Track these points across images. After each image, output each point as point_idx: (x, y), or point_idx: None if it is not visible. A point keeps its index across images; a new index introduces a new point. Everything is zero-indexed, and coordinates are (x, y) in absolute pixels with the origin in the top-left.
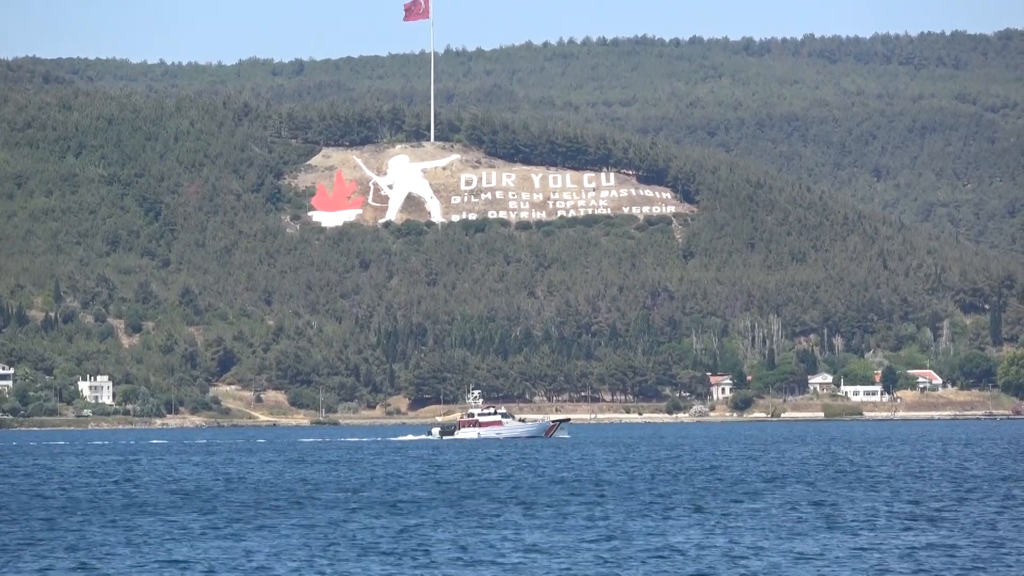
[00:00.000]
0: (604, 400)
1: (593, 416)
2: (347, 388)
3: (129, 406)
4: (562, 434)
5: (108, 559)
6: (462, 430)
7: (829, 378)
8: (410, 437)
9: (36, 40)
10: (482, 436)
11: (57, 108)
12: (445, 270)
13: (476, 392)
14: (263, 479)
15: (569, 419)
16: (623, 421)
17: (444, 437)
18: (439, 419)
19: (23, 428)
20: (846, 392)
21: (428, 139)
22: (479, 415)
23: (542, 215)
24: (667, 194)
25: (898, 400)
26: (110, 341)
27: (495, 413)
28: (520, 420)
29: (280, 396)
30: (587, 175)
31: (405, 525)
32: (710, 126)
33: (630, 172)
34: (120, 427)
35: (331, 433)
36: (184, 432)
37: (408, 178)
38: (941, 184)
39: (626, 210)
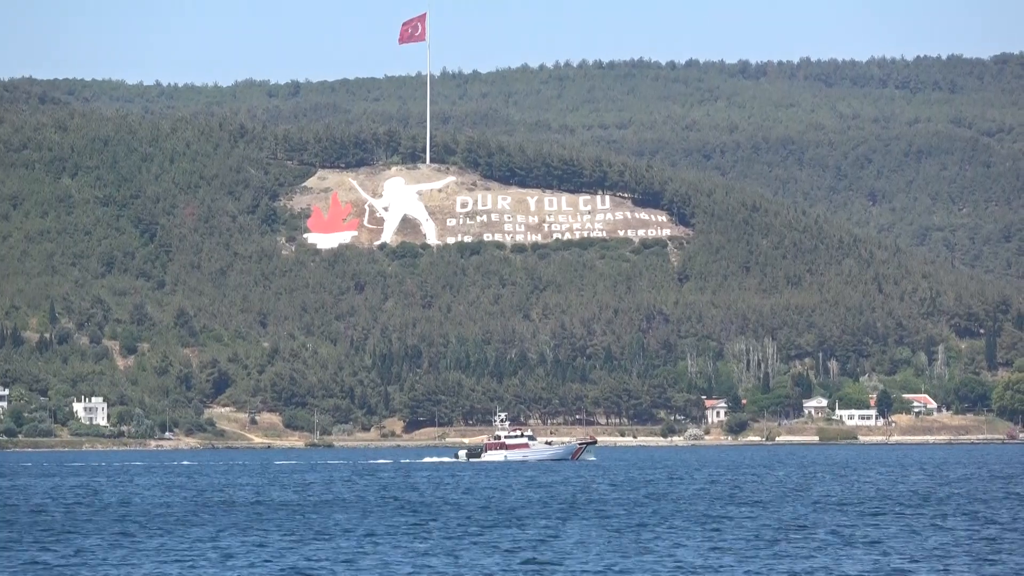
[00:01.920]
0: (599, 423)
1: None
2: (342, 410)
3: (124, 427)
4: (589, 456)
5: None
6: (489, 452)
7: (824, 402)
8: (435, 459)
9: (32, 61)
10: (509, 459)
11: (52, 129)
12: (440, 292)
13: (503, 415)
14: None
15: (596, 441)
16: (617, 444)
17: (471, 459)
18: (466, 441)
19: (17, 449)
20: (841, 416)
21: (424, 161)
22: (506, 437)
23: (537, 238)
24: (662, 217)
25: (893, 424)
26: (105, 362)
27: (522, 435)
28: (547, 443)
29: (275, 418)
30: (582, 198)
31: None
32: (706, 149)
33: (625, 195)
34: (114, 448)
35: (355, 456)
36: (197, 454)
37: (403, 200)
38: (937, 208)
39: (621, 233)
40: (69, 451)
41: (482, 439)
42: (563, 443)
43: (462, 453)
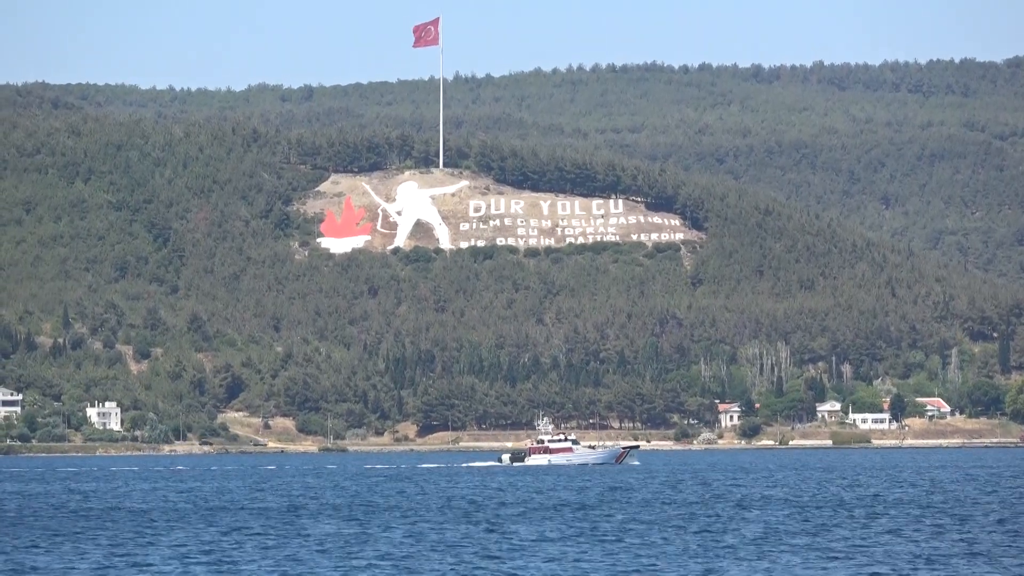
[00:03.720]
0: (612, 427)
1: (601, 443)
2: (355, 415)
3: (137, 432)
4: (632, 461)
5: None
6: (532, 456)
7: (837, 406)
8: (478, 464)
9: (45, 66)
10: (553, 463)
11: (66, 134)
12: (454, 297)
13: (546, 419)
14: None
15: (639, 446)
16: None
17: (515, 463)
18: (509, 445)
19: (31, 454)
20: (854, 420)
21: (437, 165)
22: (549, 441)
23: (551, 242)
24: (676, 221)
25: (906, 428)
26: (118, 367)
27: (565, 439)
28: (590, 447)
29: (288, 423)
30: (596, 202)
31: None
32: (719, 153)
33: (639, 199)
34: (128, 453)
35: (401, 460)
36: (203, 459)
37: (417, 205)
38: (950, 212)
39: (635, 237)
40: (87, 456)
41: (526, 443)
42: (606, 447)
43: (506, 457)
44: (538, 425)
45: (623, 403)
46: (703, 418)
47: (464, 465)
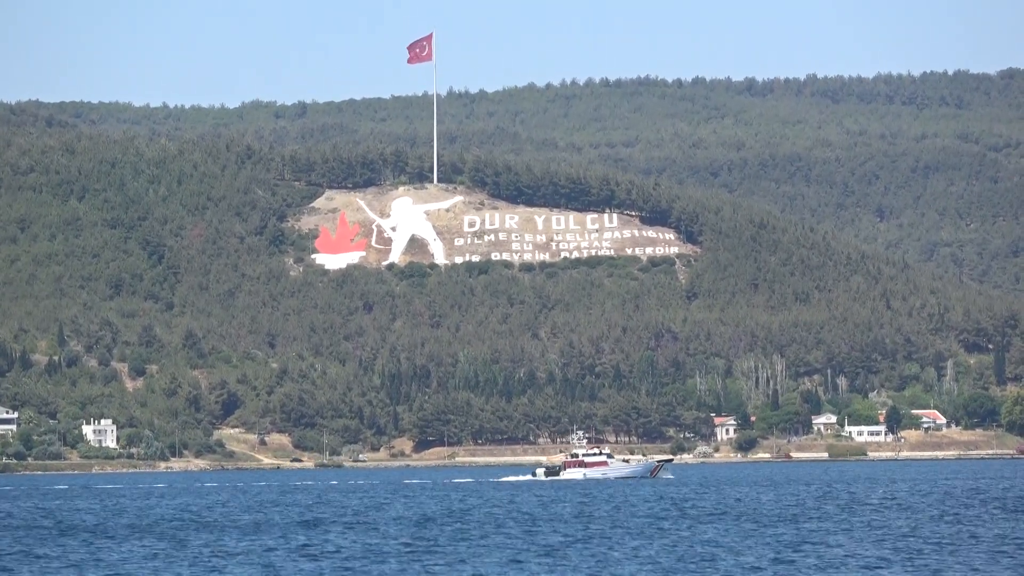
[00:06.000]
0: (608, 441)
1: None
2: (351, 431)
3: (133, 450)
4: (666, 474)
5: None
6: (568, 471)
7: (833, 418)
8: (511, 478)
9: (39, 84)
10: (588, 476)
11: (60, 152)
12: (448, 312)
13: (580, 432)
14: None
15: (672, 459)
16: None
17: (550, 478)
18: (544, 459)
19: (27, 472)
20: (850, 432)
21: (431, 181)
22: (584, 455)
23: (545, 257)
24: (670, 235)
25: (902, 440)
26: (114, 385)
27: (600, 453)
28: (624, 460)
29: (284, 439)
30: (590, 216)
31: None
32: (713, 167)
33: (633, 213)
34: (124, 471)
35: (433, 475)
36: (200, 475)
37: (411, 220)
38: (944, 224)
39: (629, 251)
40: (85, 474)
41: (560, 457)
42: (640, 461)
43: (540, 471)
44: (572, 440)
45: (619, 417)
46: (699, 431)
47: (500, 479)
